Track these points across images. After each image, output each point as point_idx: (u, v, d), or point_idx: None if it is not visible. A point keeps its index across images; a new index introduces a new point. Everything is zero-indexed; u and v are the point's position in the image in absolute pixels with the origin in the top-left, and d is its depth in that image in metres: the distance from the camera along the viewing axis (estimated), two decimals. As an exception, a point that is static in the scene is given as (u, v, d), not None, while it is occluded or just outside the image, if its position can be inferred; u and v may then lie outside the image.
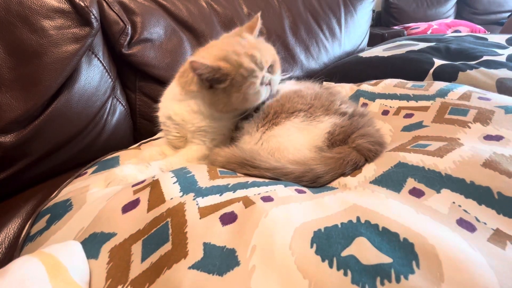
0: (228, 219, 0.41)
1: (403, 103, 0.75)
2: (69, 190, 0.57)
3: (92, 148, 0.87)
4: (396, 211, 0.39)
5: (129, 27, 0.95)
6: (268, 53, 0.63)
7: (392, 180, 0.47)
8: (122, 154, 0.75)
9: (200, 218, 0.41)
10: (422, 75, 0.94)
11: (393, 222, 0.37)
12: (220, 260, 0.35)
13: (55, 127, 0.78)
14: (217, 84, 0.61)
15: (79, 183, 0.60)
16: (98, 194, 0.52)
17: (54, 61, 0.75)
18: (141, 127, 1.03)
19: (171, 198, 0.45)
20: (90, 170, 0.67)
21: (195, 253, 0.36)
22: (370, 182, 0.49)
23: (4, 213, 0.70)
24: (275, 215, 0.40)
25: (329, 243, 0.35)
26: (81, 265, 0.39)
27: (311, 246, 0.35)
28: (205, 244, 0.37)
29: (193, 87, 0.64)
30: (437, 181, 0.45)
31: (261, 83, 0.62)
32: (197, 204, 0.44)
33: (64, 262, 0.38)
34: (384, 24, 3.06)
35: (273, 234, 0.37)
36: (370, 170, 0.52)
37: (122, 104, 0.98)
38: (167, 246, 0.38)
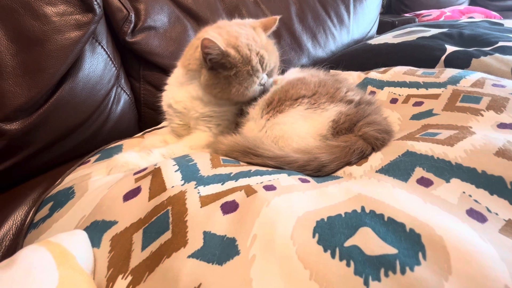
0: (229, 208, 0.41)
1: (413, 91, 0.73)
2: (72, 178, 0.57)
3: (97, 137, 0.87)
4: (403, 200, 0.38)
5: (133, 15, 0.94)
6: (273, 57, 0.64)
7: (399, 169, 0.46)
8: (125, 142, 0.75)
9: (201, 207, 0.41)
10: (433, 62, 0.91)
11: (399, 212, 0.35)
12: (220, 249, 0.34)
13: (60, 115, 0.77)
14: (220, 69, 0.60)
15: (82, 171, 0.60)
16: (100, 181, 0.52)
17: (57, 48, 0.75)
18: (146, 116, 1.02)
19: (172, 186, 0.45)
20: (93, 158, 0.67)
21: (195, 242, 0.36)
22: (377, 171, 0.47)
23: (11, 201, 0.71)
24: (277, 204, 0.39)
25: (332, 233, 0.34)
26: (86, 254, 0.40)
27: (313, 236, 0.34)
28: (205, 233, 0.37)
29: (192, 65, 0.64)
30: (447, 170, 0.43)
31: (258, 83, 0.63)
32: (198, 193, 0.43)
33: (71, 250, 0.38)
34: (394, 12, 2.96)
35: (275, 223, 0.36)
36: (377, 159, 0.51)
37: (126, 93, 0.97)
38: (167, 235, 0.38)
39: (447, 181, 0.41)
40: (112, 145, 0.74)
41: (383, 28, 1.84)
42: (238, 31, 0.61)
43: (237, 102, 0.66)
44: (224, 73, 0.60)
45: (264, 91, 0.66)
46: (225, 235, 0.36)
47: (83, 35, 0.78)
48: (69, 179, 0.57)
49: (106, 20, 0.91)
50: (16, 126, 0.71)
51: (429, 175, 0.43)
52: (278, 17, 0.66)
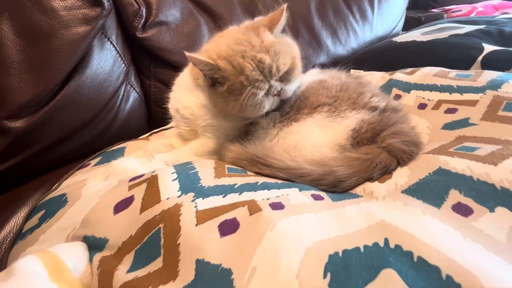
0: (229, 228, 0.36)
1: (445, 96, 0.65)
2: (68, 184, 0.54)
3: (105, 136, 0.85)
4: (436, 234, 0.31)
5: (144, 9, 0.91)
6: (285, 57, 0.53)
7: (430, 190, 0.39)
8: (129, 144, 0.71)
9: (196, 225, 0.36)
10: (468, 63, 0.82)
11: (432, 250, 0.29)
12: (212, 283, 0.29)
13: (66, 113, 0.75)
14: (217, 85, 0.54)
15: (79, 176, 0.57)
16: (94, 189, 0.48)
17: (64, 44, 0.73)
18: (156, 115, 0.99)
19: (167, 198, 0.40)
20: (93, 162, 0.64)
21: (186, 274, 0.31)
22: (402, 192, 0.41)
23: (14, 201, 0.69)
24: (283, 229, 0.34)
25: (348, 273, 0.28)
26: (83, 268, 0.39)
27: (324, 276, 0.28)
28: (198, 261, 0.32)
29: (200, 81, 0.59)
30: (490, 196, 0.36)
31: (267, 94, 0.53)
32: (195, 207, 0.39)
33: (68, 263, 0.38)
34: (421, 7, 2.80)
35: (279, 254, 0.30)
36: (403, 176, 0.44)
37: (136, 90, 0.94)
38: (158, 263, 0.34)
39: (491, 210, 0.34)
40: (115, 148, 0.71)
41: (408, 24, 1.73)
42: (236, 37, 0.54)
43: (246, 118, 0.58)
44: (219, 89, 0.53)
45: (285, 101, 0.56)
46: (220, 265, 0.31)
47: (91, 30, 0.75)
48: (65, 185, 0.54)
49: (117, 14, 0.88)
50: (21, 124, 0.69)
51: (468, 201, 0.36)
52: (285, 5, 0.56)
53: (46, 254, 0.38)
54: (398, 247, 0.30)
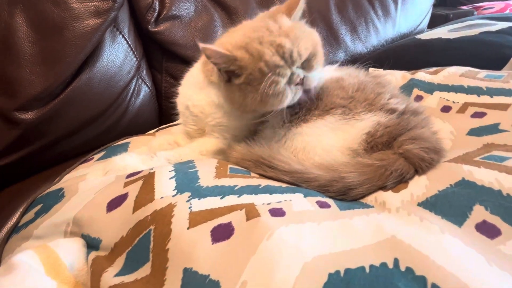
0: (222, 233, 0.33)
1: (472, 98, 0.60)
2: (68, 178, 0.54)
3: (115, 130, 0.85)
4: (456, 257, 0.27)
5: (157, 2, 0.90)
6: (306, 42, 0.49)
7: (451, 205, 0.35)
8: (133, 140, 0.71)
9: (188, 228, 0.34)
10: (500, 63, 0.76)
11: (450, 276, 0.25)
12: (198, 297, 0.27)
13: (75, 106, 0.76)
14: (234, 78, 0.50)
15: (81, 170, 0.56)
16: (91, 184, 0.47)
17: (76, 36, 0.73)
18: (167, 110, 0.98)
19: (162, 197, 0.39)
20: (96, 156, 0.63)
21: (172, 283, 0.29)
22: (419, 204, 0.37)
23: (23, 192, 0.70)
24: (281, 238, 0.31)
25: (349, 298, 0.25)
26: (80, 266, 0.38)
27: (322, 299, 0.25)
28: (185, 270, 0.30)
29: (213, 77, 0.55)
30: (522, 214, 0.31)
31: (289, 82, 0.49)
32: (189, 207, 0.37)
33: (64, 260, 0.38)
34: (449, 4, 2.66)
35: (273, 268, 0.28)
36: (420, 186, 0.40)
37: (147, 85, 0.94)
38: (146, 269, 0.32)
39: (523, 231, 0.30)
40: (119, 143, 0.70)
41: (434, 22, 1.64)
42: (252, 26, 0.51)
43: (266, 112, 0.53)
44: (236, 82, 0.50)
45: (309, 92, 0.51)
46: (208, 276, 0.29)
47: (102, 23, 0.75)
48: (66, 178, 0.54)
49: (129, 8, 0.88)
50: (31, 116, 0.70)
51: (495, 220, 0.32)
52: None
53: (44, 250, 0.38)
54: (409, 270, 0.26)
